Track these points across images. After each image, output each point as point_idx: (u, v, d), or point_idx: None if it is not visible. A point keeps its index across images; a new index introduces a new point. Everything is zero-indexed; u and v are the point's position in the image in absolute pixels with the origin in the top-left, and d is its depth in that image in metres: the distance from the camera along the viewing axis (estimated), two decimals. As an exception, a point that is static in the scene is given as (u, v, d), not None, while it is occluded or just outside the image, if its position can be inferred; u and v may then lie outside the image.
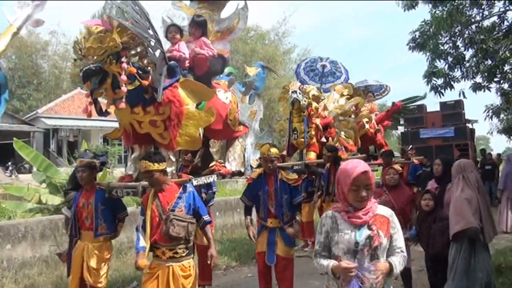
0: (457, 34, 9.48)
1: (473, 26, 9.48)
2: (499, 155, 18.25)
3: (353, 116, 8.73)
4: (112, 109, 4.51)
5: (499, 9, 9.32)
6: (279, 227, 5.08)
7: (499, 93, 10.84)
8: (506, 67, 9.75)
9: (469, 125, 12.65)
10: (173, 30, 5.06)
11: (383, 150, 9.57)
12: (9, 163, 25.43)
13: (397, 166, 7.96)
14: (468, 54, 9.70)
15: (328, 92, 9.13)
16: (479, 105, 12.22)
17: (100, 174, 5.62)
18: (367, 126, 9.48)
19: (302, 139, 7.72)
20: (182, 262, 3.97)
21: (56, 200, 9.19)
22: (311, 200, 8.29)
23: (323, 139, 7.79)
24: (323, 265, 2.72)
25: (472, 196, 4.15)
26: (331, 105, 8.31)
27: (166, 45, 5.06)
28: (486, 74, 9.56)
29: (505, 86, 10.48)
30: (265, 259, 5.05)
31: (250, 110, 6.24)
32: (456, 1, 8.99)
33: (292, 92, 7.71)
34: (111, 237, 4.82)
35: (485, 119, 11.96)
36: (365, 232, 2.65)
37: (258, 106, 6.46)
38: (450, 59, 9.52)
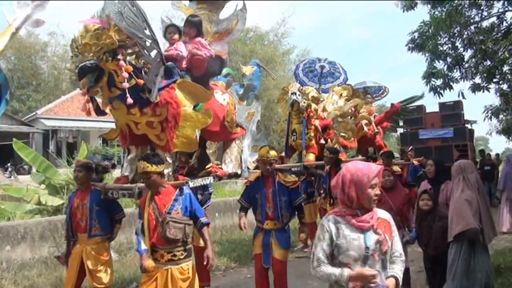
0: (456, 35, 9.50)
1: (472, 27, 9.50)
2: (497, 155, 18.26)
3: (351, 117, 8.73)
4: (108, 109, 4.49)
5: (498, 10, 9.35)
6: (275, 229, 5.10)
7: (498, 94, 10.86)
8: (505, 68, 9.77)
9: (468, 126, 12.63)
10: (171, 31, 5.04)
11: (383, 151, 9.57)
12: (9, 164, 25.41)
13: (396, 167, 7.96)
14: (467, 54, 9.74)
15: (327, 92, 9.13)
16: (478, 105, 12.25)
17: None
18: (365, 128, 9.47)
19: (301, 141, 7.72)
20: (180, 265, 3.97)
21: (56, 201, 9.19)
22: (311, 201, 8.30)
23: (322, 141, 7.79)
24: (332, 273, 2.55)
25: (472, 197, 4.15)
26: (330, 106, 8.30)
27: (166, 45, 5.06)
28: (485, 74, 9.57)
29: (504, 86, 10.50)
30: (262, 261, 5.06)
31: (247, 112, 6.22)
32: (455, 2, 9.00)
33: (292, 93, 7.71)
34: (108, 239, 4.80)
35: (484, 119, 12.01)
36: (372, 236, 2.60)
37: (256, 107, 6.43)
38: (449, 59, 9.54)
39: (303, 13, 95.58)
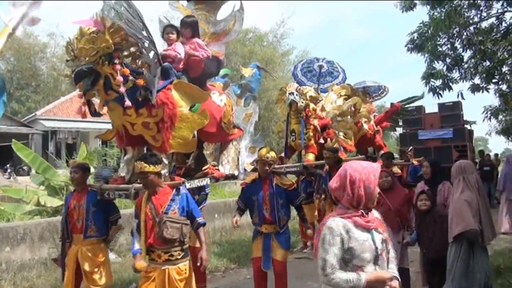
0: (455, 35, 9.50)
1: (471, 28, 9.50)
2: (496, 155, 18.27)
3: (351, 116, 8.72)
4: (105, 110, 4.49)
5: (497, 11, 9.34)
6: (274, 232, 5.10)
7: (497, 94, 10.88)
8: (504, 68, 9.77)
9: (468, 126, 12.65)
10: (169, 31, 5.04)
11: (383, 151, 9.57)
12: (8, 165, 25.39)
13: (395, 169, 7.96)
14: (467, 55, 9.74)
15: (326, 92, 9.13)
16: (478, 106, 12.29)
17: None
18: (365, 126, 9.48)
19: (300, 141, 7.72)
20: (178, 265, 3.97)
21: (55, 202, 9.19)
22: (310, 201, 8.30)
23: (321, 140, 7.78)
24: (349, 279, 2.43)
25: (472, 198, 4.14)
26: (329, 105, 8.29)
27: (163, 45, 5.06)
28: (484, 75, 9.57)
29: (504, 87, 10.51)
30: (261, 265, 5.05)
31: (245, 113, 6.22)
32: (454, 2, 9.00)
33: (289, 93, 7.71)
34: (103, 240, 4.78)
35: (484, 120, 12.02)
36: (377, 236, 2.57)
37: (254, 109, 6.43)
38: (448, 60, 9.54)
39: (303, 13, 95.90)
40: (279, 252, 5.05)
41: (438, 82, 9.53)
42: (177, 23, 5.23)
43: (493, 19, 9.52)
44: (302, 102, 7.68)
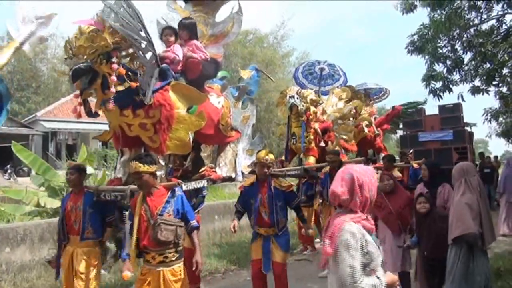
0: (456, 37, 9.49)
1: (472, 30, 9.50)
2: (496, 157, 18.26)
3: (352, 119, 8.73)
4: (102, 111, 4.49)
5: (498, 13, 9.33)
6: (274, 234, 5.09)
7: (497, 97, 10.87)
8: (505, 71, 9.76)
9: (468, 129, 12.63)
10: (168, 33, 5.04)
11: (384, 155, 9.57)
12: (8, 166, 25.42)
13: (396, 172, 7.95)
14: (467, 57, 9.72)
15: (327, 95, 9.15)
16: (478, 108, 12.29)
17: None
18: (366, 130, 9.49)
19: (301, 144, 7.72)
20: (172, 266, 3.97)
21: (55, 203, 9.18)
22: (310, 205, 8.30)
23: (322, 144, 7.79)
24: (373, 284, 2.40)
25: (473, 200, 4.14)
26: (330, 108, 8.31)
27: (162, 47, 5.06)
28: (484, 77, 9.56)
29: (504, 89, 10.50)
30: (261, 267, 5.05)
31: (243, 115, 6.21)
32: (455, 4, 9.01)
33: (290, 97, 7.73)
34: (99, 242, 4.76)
35: (484, 122, 12.02)
36: (375, 238, 2.59)
37: (251, 111, 6.42)
38: (448, 62, 9.52)
39: (303, 13, 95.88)
40: (279, 254, 5.04)
41: (438, 84, 9.52)
42: (175, 25, 5.23)
43: (493, 21, 9.53)
44: (303, 106, 7.70)
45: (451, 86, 9.50)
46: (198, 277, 5.68)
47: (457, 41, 9.56)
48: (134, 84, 4.26)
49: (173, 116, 4.48)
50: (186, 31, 5.13)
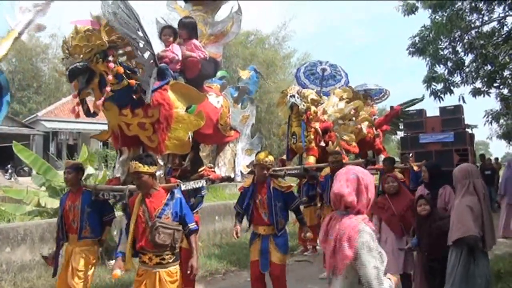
0: (457, 39, 9.50)
1: (473, 32, 9.51)
2: (496, 159, 18.26)
3: (353, 119, 8.72)
4: (102, 110, 4.48)
5: (499, 15, 9.35)
6: (272, 235, 5.08)
7: (498, 98, 10.86)
8: (506, 73, 9.77)
9: (469, 130, 12.63)
10: (167, 32, 5.01)
11: (385, 157, 9.56)
12: (9, 166, 25.43)
13: (399, 175, 7.94)
14: (468, 59, 9.74)
15: (328, 95, 9.14)
16: (479, 110, 12.24)
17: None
18: (364, 130, 9.47)
19: (301, 143, 7.72)
20: (169, 268, 3.95)
21: (55, 203, 9.16)
22: (312, 205, 8.29)
23: (323, 143, 7.78)
24: (390, 285, 2.39)
25: (475, 203, 4.12)
26: (331, 108, 8.30)
27: (161, 46, 5.05)
28: (485, 79, 9.57)
29: (505, 91, 10.50)
30: (259, 267, 5.04)
31: (242, 115, 6.19)
32: (456, 6, 9.01)
33: (290, 96, 7.72)
34: (98, 241, 4.76)
35: (485, 124, 11.98)
36: None
37: (251, 111, 6.40)
38: (449, 64, 9.54)
39: (304, 14, 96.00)
40: (277, 256, 5.02)
41: (439, 86, 9.54)
42: (175, 25, 5.23)
43: (494, 23, 9.55)
44: (303, 105, 7.69)
45: (452, 87, 9.52)
46: (192, 282, 5.51)
47: (458, 43, 9.57)
48: (133, 82, 4.25)
49: (172, 115, 4.46)
50: (185, 30, 5.11)
